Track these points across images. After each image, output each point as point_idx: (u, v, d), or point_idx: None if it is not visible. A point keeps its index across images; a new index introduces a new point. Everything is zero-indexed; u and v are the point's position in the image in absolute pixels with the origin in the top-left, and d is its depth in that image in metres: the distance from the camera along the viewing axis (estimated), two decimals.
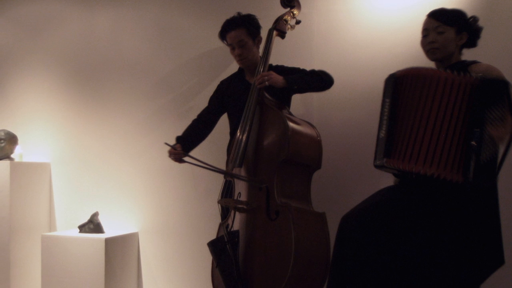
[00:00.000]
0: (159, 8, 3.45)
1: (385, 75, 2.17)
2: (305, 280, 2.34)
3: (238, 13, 2.74)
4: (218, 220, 2.75)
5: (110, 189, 3.51)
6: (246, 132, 2.51)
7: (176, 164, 2.73)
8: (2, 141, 3.48)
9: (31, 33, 3.77)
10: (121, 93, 3.53)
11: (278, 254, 2.32)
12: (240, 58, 2.71)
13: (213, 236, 2.68)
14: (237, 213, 2.55)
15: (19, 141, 3.61)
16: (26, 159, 3.68)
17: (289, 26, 2.77)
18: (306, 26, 3.00)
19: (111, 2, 3.57)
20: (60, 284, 3.16)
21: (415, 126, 2.03)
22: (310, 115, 3.02)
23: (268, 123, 2.51)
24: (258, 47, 2.76)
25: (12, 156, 3.56)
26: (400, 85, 2.10)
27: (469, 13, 2.23)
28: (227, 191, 2.66)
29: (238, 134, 2.55)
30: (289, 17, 2.76)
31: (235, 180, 2.60)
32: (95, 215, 3.35)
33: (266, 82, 2.48)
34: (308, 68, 2.70)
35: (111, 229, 3.42)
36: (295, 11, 2.78)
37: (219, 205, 2.67)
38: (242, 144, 2.51)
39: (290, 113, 2.64)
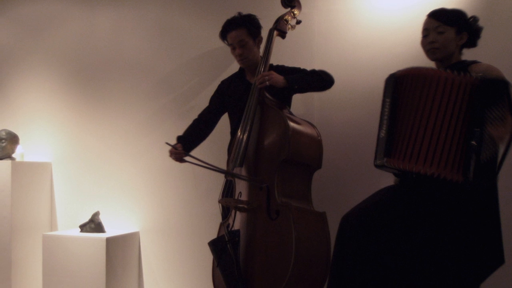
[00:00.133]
0: (160, 8, 3.46)
1: (386, 75, 2.18)
2: (306, 280, 2.34)
3: (239, 13, 2.75)
4: (218, 219, 2.75)
5: (111, 188, 3.52)
6: (247, 132, 2.52)
7: (177, 163, 2.74)
8: (3, 140, 3.49)
9: (32, 33, 3.77)
10: (122, 93, 3.53)
11: (278, 253, 2.32)
12: (240, 58, 2.71)
13: (213, 235, 2.69)
14: (237, 212, 2.55)
15: (20, 141, 3.62)
16: (27, 158, 3.68)
17: (289, 26, 2.78)
18: (307, 26, 3.01)
19: (112, 2, 3.57)
20: (61, 284, 3.16)
21: (415, 125, 2.03)
22: (310, 115, 3.03)
23: (268, 122, 2.51)
24: (258, 47, 2.76)
25: (13, 155, 3.57)
26: (401, 85, 2.11)
27: (469, 13, 2.23)
28: (228, 190, 2.66)
29: (239, 133, 2.56)
30: (289, 17, 2.76)
31: (236, 179, 2.60)
32: (96, 214, 3.35)
33: (267, 82, 2.48)
34: (308, 68, 2.71)
35: (112, 229, 3.43)
36: (296, 11, 2.78)
37: (220, 204, 2.68)
38: (243, 143, 2.52)
39: (291, 113, 2.64)
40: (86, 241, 3.16)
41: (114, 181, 3.52)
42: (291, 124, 2.44)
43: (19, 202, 3.42)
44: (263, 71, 2.60)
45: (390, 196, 2.19)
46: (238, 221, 2.54)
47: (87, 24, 3.63)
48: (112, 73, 3.56)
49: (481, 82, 1.93)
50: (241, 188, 2.56)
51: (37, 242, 3.45)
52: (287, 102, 2.75)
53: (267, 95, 2.58)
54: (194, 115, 2.94)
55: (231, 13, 2.77)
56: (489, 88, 1.92)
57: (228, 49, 2.78)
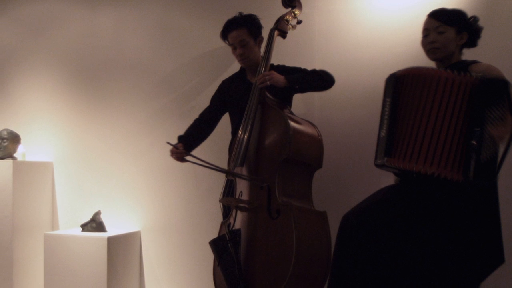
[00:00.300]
0: (161, 8, 3.47)
1: (386, 75, 2.18)
2: (306, 279, 2.35)
3: (240, 13, 2.75)
4: (219, 219, 2.76)
5: (112, 188, 3.53)
6: (248, 132, 2.52)
7: (178, 163, 2.74)
8: (5, 140, 3.50)
9: (33, 33, 3.78)
10: (123, 92, 3.54)
11: (279, 252, 2.33)
12: (241, 58, 2.72)
13: (214, 234, 2.69)
14: (238, 212, 2.56)
15: (22, 141, 3.63)
16: (29, 158, 3.69)
17: (290, 26, 2.78)
18: (307, 26, 3.01)
19: (113, 2, 3.58)
20: (62, 283, 3.17)
21: (415, 125, 2.04)
22: (311, 115, 3.03)
23: (269, 122, 2.52)
24: (259, 47, 2.77)
25: (15, 155, 3.58)
26: (401, 85, 2.11)
27: (469, 13, 2.23)
28: (229, 190, 2.67)
29: (240, 133, 2.56)
30: (290, 17, 2.77)
31: (237, 179, 2.61)
32: (97, 214, 3.36)
33: (268, 82, 2.49)
34: (309, 68, 2.71)
35: (113, 228, 3.44)
36: (296, 11, 2.79)
37: (221, 204, 2.68)
38: (244, 143, 2.52)
39: (292, 113, 2.65)
40: (87, 240, 3.16)
41: (116, 180, 3.52)
42: (292, 123, 2.44)
43: (21, 202, 3.43)
44: (264, 71, 2.60)
45: (390, 196, 2.20)
46: (239, 220, 2.54)
47: (89, 24, 3.64)
48: (113, 72, 3.57)
49: (481, 82, 1.94)
50: (242, 188, 2.56)
51: (38, 241, 3.46)
52: (288, 102, 2.75)
53: (268, 94, 2.58)
54: (195, 115, 2.95)
55: (232, 13, 2.77)
56: (489, 88, 1.93)
57: (229, 49, 2.79)
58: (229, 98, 2.84)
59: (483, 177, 1.92)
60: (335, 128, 3.01)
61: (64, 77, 3.69)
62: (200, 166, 2.56)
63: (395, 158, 2.07)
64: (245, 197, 2.53)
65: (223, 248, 2.50)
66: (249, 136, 2.52)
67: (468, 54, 2.27)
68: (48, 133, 3.71)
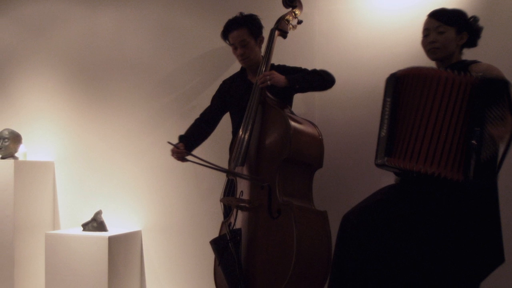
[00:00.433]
0: (162, 8, 3.47)
1: (386, 75, 2.19)
2: (307, 278, 2.35)
3: (240, 13, 2.76)
4: (220, 218, 2.76)
5: (113, 187, 3.53)
6: (248, 131, 2.53)
7: (179, 163, 2.74)
8: (6, 140, 3.50)
9: (34, 33, 3.79)
10: (124, 92, 3.54)
11: (280, 252, 2.33)
12: (242, 57, 2.73)
13: (215, 234, 2.70)
14: (239, 211, 2.56)
15: (23, 140, 3.63)
16: (30, 158, 3.70)
17: (291, 26, 2.79)
18: (308, 26, 3.01)
19: (114, 2, 3.58)
20: (63, 282, 3.17)
21: (416, 125, 2.04)
22: (311, 114, 3.03)
23: (270, 122, 2.52)
24: (260, 47, 2.77)
25: (16, 155, 3.58)
26: (401, 85, 2.12)
27: (470, 13, 2.24)
28: (230, 189, 2.67)
29: (240, 133, 2.57)
30: (291, 17, 2.77)
31: (237, 178, 2.61)
32: (98, 213, 3.37)
33: (268, 82, 2.49)
34: (309, 68, 2.72)
35: (114, 227, 3.44)
36: (297, 11, 2.79)
37: (222, 203, 2.68)
38: (244, 143, 2.53)
39: (292, 112, 2.65)
40: (88, 239, 3.17)
41: (116, 180, 3.53)
42: (292, 123, 2.45)
43: (22, 201, 3.43)
44: (265, 70, 2.60)
45: (391, 195, 2.20)
46: (239, 220, 2.55)
47: (90, 24, 3.64)
48: (114, 72, 3.57)
49: (481, 81, 1.94)
50: (243, 187, 2.57)
51: (39, 241, 3.47)
52: (289, 102, 2.76)
53: (269, 94, 2.59)
54: (196, 115, 2.95)
55: (232, 13, 2.78)
56: (489, 88, 1.93)
57: (229, 49, 2.79)
58: (230, 98, 2.85)
59: (483, 177, 1.93)
60: (336, 127, 3.01)
61: (65, 77, 3.70)
62: (201, 166, 2.57)
63: (396, 157, 2.07)
64: (245, 196, 2.54)
65: (224, 247, 2.50)
66: (249, 136, 2.53)
67: (468, 54, 2.28)
68: (49, 132, 3.71)
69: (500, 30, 2.74)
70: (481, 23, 2.23)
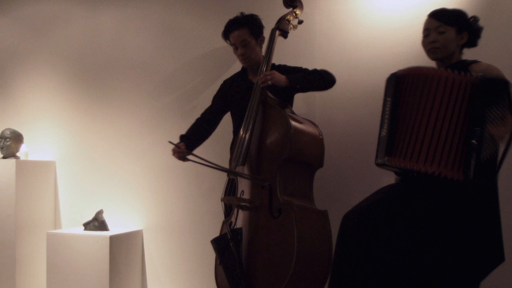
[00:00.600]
0: (163, 8, 3.48)
1: (387, 75, 2.19)
2: (308, 277, 2.36)
3: (241, 13, 2.76)
4: (221, 217, 2.77)
5: (115, 187, 3.54)
6: (249, 131, 2.53)
7: (180, 162, 2.75)
8: (7, 139, 3.51)
9: (36, 33, 3.79)
10: (125, 92, 3.55)
11: (280, 251, 2.34)
12: (243, 57, 2.73)
13: (216, 233, 2.70)
14: (240, 210, 2.57)
15: (24, 140, 3.64)
16: (32, 157, 3.70)
17: (291, 26, 2.79)
18: (308, 26, 3.02)
19: (116, 2, 3.59)
20: (65, 281, 3.18)
21: (416, 124, 2.05)
22: (312, 114, 3.04)
23: (271, 121, 2.53)
24: (261, 47, 2.78)
25: (17, 154, 3.59)
26: (402, 84, 2.12)
27: (470, 13, 2.24)
28: (230, 189, 2.67)
29: (241, 132, 2.57)
30: (291, 17, 2.78)
31: (238, 178, 2.62)
32: (99, 213, 3.37)
33: (269, 81, 2.50)
34: (310, 68, 2.72)
35: (115, 227, 3.45)
36: (298, 11, 2.80)
37: (222, 203, 2.69)
38: (245, 142, 2.53)
39: (293, 112, 2.66)
40: (89, 239, 3.18)
41: (118, 179, 3.54)
42: (293, 123, 2.45)
43: (24, 201, 3.44)
44: (265, 70, 2.61)
45: (391, 195, 2.20)
46: (240, 219, 2.55)
47: (91, 24, 3.65)
48: (115, 72, 3.58)
49: (482, 81, 1.95)
50: (244, 187, 2.58)
51: (41, 240, 3.47)
52: (289, 101, 2.76)
53: (269, 94, 2.59)
54: (197, 114, 2.96)
55: (233, 13, 2.78)
56: (489, 88, 1.94)
57: (230, 48, 2.80)
58: (231, 98, 2.85)
59: (483, 176, 1.93)
60: (336, 127, 3.02)
61: (67, 77, 3.70)
62: (202, 165, 2.57)
63: (396, 157, 2.08)
64: (246, 196, 2.55)
65: (225, 246, 2.51)
66: (250, 136, 2.53)
67: (468, 54, 2.28)
68: (51, 132, 3.72)
69: (500, 30, 2.74)
70: (481, 23, 2.23)
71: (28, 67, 3.80)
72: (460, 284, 2.04)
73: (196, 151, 2.75)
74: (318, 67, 2.71)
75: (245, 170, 2.57)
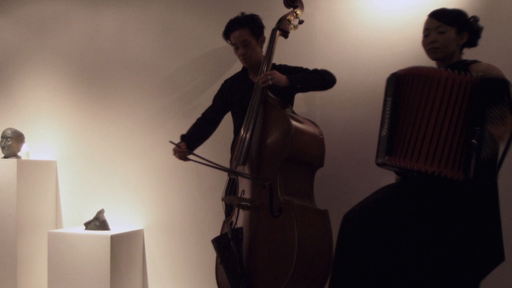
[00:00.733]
0: (164, 8, 3.48)
1: (387, 74, 2.20)
2: (308, 277, 2.36)
3: (242, 13, 2.77)
4: (222, 217, 2.78)
5: (116, 186, 3.54)
6: (250, 131, 2.54)
7: (181, 162, 2.75)
8: (9, 139, 3.52)
9: (37, 33, 3.80)
10: (126, 92, 3.56)
11: (281, 251, 2.34)
12: (243, 57, 2.74)
13: (217, 233, 2.71)
14: (240, 210, 2.57)
15: (25, 140, 3.64)
16: (33, 157, 3.71)
17: (292, 26, 2.80)
18: (309, 26, 3.02)
19: (116, 2, 3.59)
20: (66, 281, 3.18)
21: (416, 124, 2.05)
22: (312, 114, 3.04)
23: (271, 121, 2.53)
24: (261, 47, 2.78)
25: (19, 154, 3.59)
26: (402, 84, 2.13)
27: (470, 13, 2.24)
28: (231, 188, 2.68)
29: (242, 132, 2.58)
30: (292, 17, 2.78)
31: (239, 177, 2.62)
32: (100, 212, 3.38)
33: (270, 81, 2.50)
34: (311, 68, 2.73)
35: (116, 226, 3.45)
36: (298, 11, 2.80)
37: (223, 202, 2.69)
38: (246, 142, 2.54)
39: (293, 112, 2.66)
40: (91, 238, 3.18)
41: (119, 179, 3.54)
42: (294, 122, 2.46)
43: (25, 200, 3.44)
44: (266, 70, 2.61)
45: (391, 194, 2.21)
46: (241, 218, 2.56)
47: (92, 24, 3.66)
48: (116, 72, 3.58)
49: (482, 81, 1.95)
50: (244, 186, 2.58)
51: (42, 239, 3.48)
52: (290, 101, 2.77)
53: (270, 94, 2.60)
54: (198, 114, 2.96)
55: (234, 13, 2.79)
56: (489, 87, 1.94)
57: (231, 48, 2.80)
58: (232, 98, 2.86)
59: (484, 176, 1.93)
60: (337, 127, 3.02)
61: (68, 77, 3.71)
62: (203, 165, 2.58)
63: (396, 157, 2.08)
64: (247, 195, 2.55)
65: (226, 246, 2.51)
66: (251, 135, 2.54)
67: (468, 54, 2.28)
68: (52, 132, 3.73)
69: (500, 30, 2.75)
70: (481, 23, 2.23)
71: (29, 67, 3.81)
72: (460, 284, 2.04)
73: (197, 151, 2.75)
74: (319, 67, 2.71)
75: (245, 169, 2.58)
